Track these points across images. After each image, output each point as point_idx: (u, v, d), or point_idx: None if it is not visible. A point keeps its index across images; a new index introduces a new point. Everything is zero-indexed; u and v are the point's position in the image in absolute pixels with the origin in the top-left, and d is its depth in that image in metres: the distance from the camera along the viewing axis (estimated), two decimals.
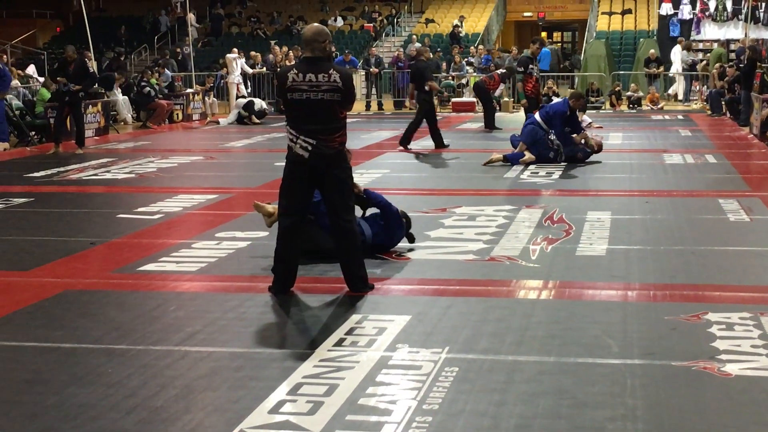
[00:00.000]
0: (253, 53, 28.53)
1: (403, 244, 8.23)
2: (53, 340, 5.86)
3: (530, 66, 18.26)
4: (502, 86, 24.76)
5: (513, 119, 22.63)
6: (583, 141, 14.68)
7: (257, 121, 23.44)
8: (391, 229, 8.07)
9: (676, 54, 28.91)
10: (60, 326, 6.16)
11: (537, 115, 14.84)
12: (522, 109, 18.76)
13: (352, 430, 4.36)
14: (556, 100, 18.85)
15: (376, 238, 7.97)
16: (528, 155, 14.27)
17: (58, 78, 17.10)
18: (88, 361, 5.44)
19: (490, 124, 21.06)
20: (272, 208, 8.16)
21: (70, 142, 17.70)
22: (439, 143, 17.12)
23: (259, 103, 24.34)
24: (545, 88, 18.95)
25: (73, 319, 6.34)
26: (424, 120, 17.10)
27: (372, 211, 8.23)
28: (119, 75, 24.49)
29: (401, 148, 16.98)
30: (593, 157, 14.73)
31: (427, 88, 17.25)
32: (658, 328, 5.90)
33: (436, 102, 20.16)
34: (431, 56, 21.82)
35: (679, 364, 5.22)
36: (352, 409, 4.61)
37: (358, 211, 7.81)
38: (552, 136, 14.38)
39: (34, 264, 7.99)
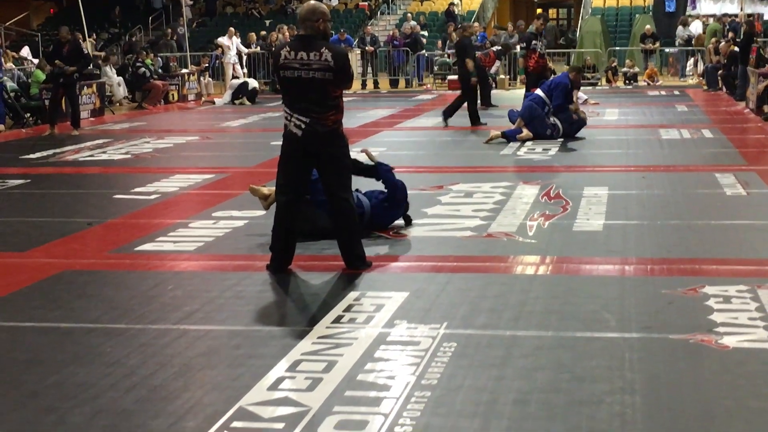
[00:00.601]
0: (251, 35, 28.43)
1: (400, 222, 8.22)
2: (51, 320, 5.86)
3: (533, 42, 18.18)
4: (497, 63, 24.70)
5: (509, 96, 22.61)
6: (575, 112, 14.72)
7: (248, 103, 23.37)
8: (394, 208, 8.05)
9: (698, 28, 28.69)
10: (58, 306, 6.16)
11: (539, 91, 14.79)
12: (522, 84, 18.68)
13: (351, 406, 4.37)
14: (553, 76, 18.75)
15: (375, 217, 7.95)
16: (525, 132, 14.26)
17: (55, 62, 16.98)
18: (87, 340, 5.45)
19: (486, 102, 21.01)
20: (267, 190, 8.15)
21: (66, 123, 17.65)
22: (475, 121, 17.07)
23: (252, 84, 24.27)
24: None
25: (71, 299, 6.34)
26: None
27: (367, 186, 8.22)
28: (110, 54, 24.41)
29: (444, 125, 17.05)
30: (590, 134, 14.72)
31: (471, 63, 17.31)
32: (656, 302, 5.91)
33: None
34: (474, 32, 21.61)
35: (677, 337, 5.23)
36: (351, 385, 4.62)
37: (362, 184, 7.84)
38: (551, 117, 14.36)
39: (31, 245, 7.99)
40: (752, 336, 5.23)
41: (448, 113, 17.19)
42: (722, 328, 5.36)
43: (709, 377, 4.67)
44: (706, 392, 4.48)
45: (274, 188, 7.78)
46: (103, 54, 24.08)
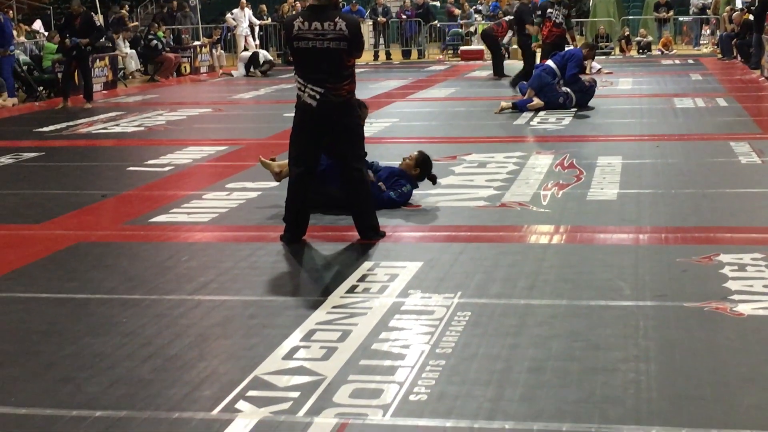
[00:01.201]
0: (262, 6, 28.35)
1: (417, 191, 8.15)
2: (67, 291, 5.89)
3: (549, 11, 18.03)
4: (510, 33, 24.55)
5: (521, 66, 22.48)
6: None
7: (259, 75, 23.33)
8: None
9: None
10: (73, 278, 6.19)
11: (550, 62, 14.71)
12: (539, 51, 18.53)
13: (366, 374, 4.38)
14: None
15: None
16: (536, 101, 14.21)
17: (66, 36, 16.93)
18: (103, 311, 5.48)
19: (498, 72, 20.93)
20: (278, 166, 8.14)
21: (79, 96, 17.65)
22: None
23: (263, 56, 24.20)
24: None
25: (86, 270, 6.37)
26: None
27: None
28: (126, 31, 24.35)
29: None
30: (604, 103, 14.66)
31: (527, 32, 17.16)
32: (670, 271, 5.91)
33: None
34: None
35: (691, 305, 5.23)
36: (366, 354, 4.63)
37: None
38: (562, 85, 14.30)
39: (46, 217, 8.02)
40: (766, 304, 5.22)
41: (515, 81, 17.24)
42: (736, 295, 5.35)
43: (723, 344, 4.67)
44: (720, 359, 4.48)
45: (284, 162, 7.79)
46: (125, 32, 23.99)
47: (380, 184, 7.82)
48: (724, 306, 5.19)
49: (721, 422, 3.81)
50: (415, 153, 8.22)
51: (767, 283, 5.56)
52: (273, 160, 8.34)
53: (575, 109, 14.11)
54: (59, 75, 18.48)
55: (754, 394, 4.08)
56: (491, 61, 21.95)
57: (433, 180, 8.21)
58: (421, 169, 8.12)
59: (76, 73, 17.93)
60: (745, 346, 4.64)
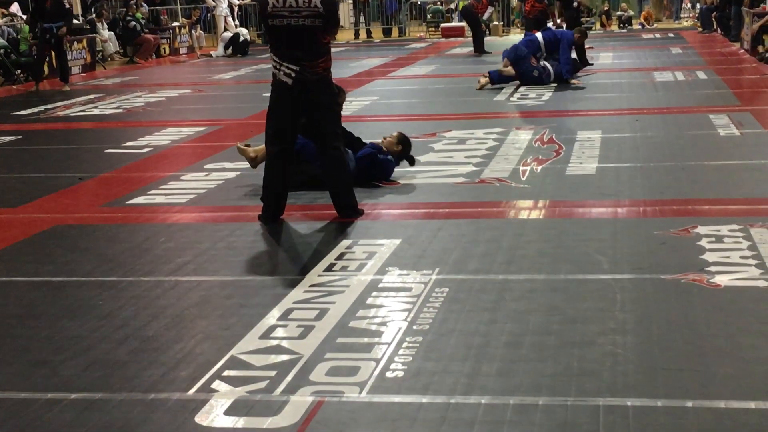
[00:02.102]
0: None
1: (396, 169, 8.13)
2: (44, 274, 5.86)
3: None
4: (490, 9, 24.50)
5: (502, 43, 22.45)
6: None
7: (239, 55, 23.21)
8: (373, 171, 7.93)
9: None
10: (50, 261, 6.15)
11: (539, 34, 14.59)
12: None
13: (343, 352, 4.37)
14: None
15: (359, 175, 7.84)
16: (509, 68, 14.15)
17: (38, 20, 16.74)
18: (79, 294, 5.45)
19: (479, 49, 20.89)
20: (253, 151, 8.09)
21: (55, 79, 17.53)
22: (584, 62, 17.03)
23: (243, 35, 24.08)
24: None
25: (64, 253, 6.33)
26: None
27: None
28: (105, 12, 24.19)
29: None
30: (584, 78, 14.66)
31: (575, 4, 17.30)
32: (648, 243, 5.91)
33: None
34: None
35: (669, 277, 5.23)
36: (343, 332, 4.62)
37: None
38: (541, 60, 14.24)
39: (23, 200, 7.96)
40: (744, 274, 5.23)
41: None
42: (714, 267, 5.36)
43: (700, 316, 4.67)
44: (697, 330, 4.48)
45: (260, 147, 7.75)
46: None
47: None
48: (701, 278, 5.19)
49: (698, 393, 3.81)
50: (395, 133, 8.24)
51: (744, 255, 5.56)
52: (248, 146, 8.28)
53: (554, 85, 14.07)
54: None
55: (730, 365, 4.08)
56: (471, 38, 21.90)
57: (411, 161, 8.19)
58: (403, 146, 8.12)
59: (50, 57, 17.79)
60: (721, 318, 4.64)
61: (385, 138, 8.19)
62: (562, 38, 14.37)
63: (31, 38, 17.87)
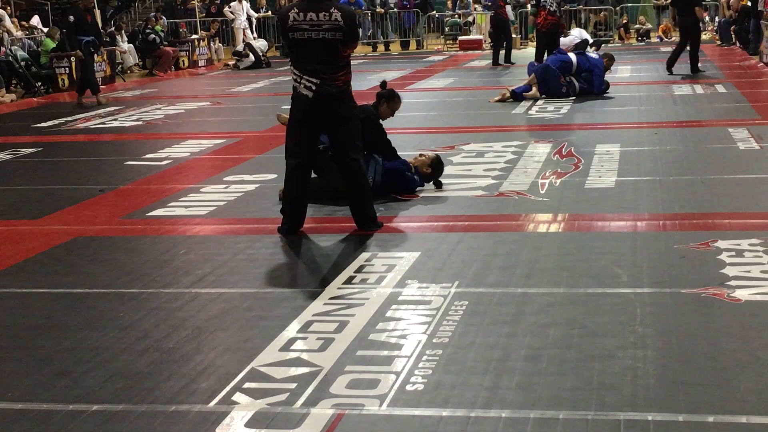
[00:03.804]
0: None
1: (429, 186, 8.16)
2: (65, 286, 5.89)
3: None
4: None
5: (521, 55, 22.46)
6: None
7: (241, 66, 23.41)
8: (396, 185, 7.94)
9: None
10: (71, 272, 6.19)
11: (572, 56, 14.57)
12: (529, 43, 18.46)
13: (363, 365, 4.38)
14: (570, 36, 18.44)
15: (382, 185, 7.87)
16: (534, 90, 14.18)
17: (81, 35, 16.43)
18: (100, 305, 5.48)
19: (508, 58, 20.87)
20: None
21: (74, 92, 17.59)
22: (695, 68, 17.13)
23: (261, 48, 24.15)
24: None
25: (84, 265, 6.37)
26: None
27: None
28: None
29: (668, 72, 17.18)
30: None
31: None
32: (668, 257, 5.90)
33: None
34: None
35: (689, 291, 5.22)
36: (363, 345, 4.63)
37: None
38: (568, 77, 14.25)
39: (43, 212, 8.01)
40: (764, 289, 5.21)
41: (671, 63, 17.31)
42: (734, 281, 5.34)
43: (720, 330, 4.66)
44: (717, 345, 4.47)
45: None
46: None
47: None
48: (721, 292, 5.18)
49: (719, 408, 3.80)
50: (432, 154, 8.30)
51: (765, 269, 5.54)
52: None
53: (574, 98, 14.06)
54: (57, 70, 18.46)
55: (752, 379, 4.07)
56: (494, 50, 21.65)
57: (438, 185, 8.19)
58: (433, 170, 8.15)
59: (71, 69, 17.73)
60: (742, 332, 4.63)
61: (421, 155, 8.21)
62: (594, 68, 14.34)
63: (65, 52, 17.39)
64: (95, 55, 16.89)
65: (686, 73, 16.93)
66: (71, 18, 16.09)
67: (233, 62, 24.06)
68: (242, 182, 8.84)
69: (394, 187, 7.87)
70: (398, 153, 8.15)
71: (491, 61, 21.29)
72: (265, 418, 3.87)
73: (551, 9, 17.65)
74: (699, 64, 17.27)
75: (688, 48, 17.08)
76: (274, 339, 4.76)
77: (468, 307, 5.12)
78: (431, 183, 8.19)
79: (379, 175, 7.79)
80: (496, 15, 21.24)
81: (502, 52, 21.01)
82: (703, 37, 27.12)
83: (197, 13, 27.32)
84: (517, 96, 14.15)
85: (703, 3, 27.91)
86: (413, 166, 8.07)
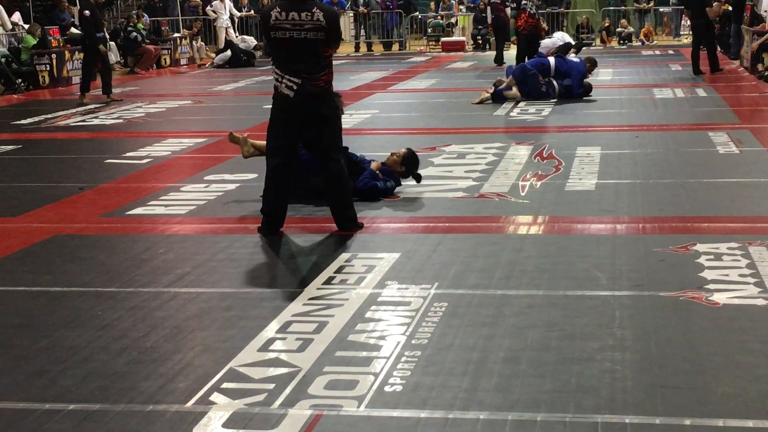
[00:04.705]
0: None
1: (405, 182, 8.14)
2: (42, 284, 5.86)
3: (523, 2, 17.99)
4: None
5: (506, 57, 22.49)
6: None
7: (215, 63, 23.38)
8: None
9: None
10: (49, 271, 6.16)
11: (551, 59, 14.60)
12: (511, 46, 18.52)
13: (342, 366, 4.37)
14: (552, 38, 18.47)
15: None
16: (514, 90, 14.20)
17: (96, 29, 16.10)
18: (78, 304, 5.45)
19: (499, 60, 20.97)
20: (245, 141, 8.22)
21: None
22: (715, 67, 17.23)
23: (248, 44, 24.16)
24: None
25: (62, 263, 6.34)
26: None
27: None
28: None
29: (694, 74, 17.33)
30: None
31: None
32: (647, 260, 5.92)
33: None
34: None
35: (668, 294, 5.23)
36: (342, 346, 4.62)
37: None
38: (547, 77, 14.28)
39: (22, 210, 7.96)
40: (742, 292, 5.24)
41: (695, 67, 17.54)
42: (713, 285, 5.36)
43: (698, 333, 4.68)
44: (695, 348, 4.49)
45: (259, 143, 7.82)
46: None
47: (378, 173, 7.82)
48: (699, 295, 5.20)
49: (696, 411, 3.81)
50: (403, 150, 8.19)
51: (743, 273, 5.57)
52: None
53: (555, 101, 14.09)
54: (37, 67, 18.39)
55: (729, 383, 4.09)
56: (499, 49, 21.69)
57: (418, 178, 8.16)
58: (407, 167, 8.09)
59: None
60: (720, 336, 4.65)
61: (393, 154, 8.14)
62: (572, 70, 14.35)
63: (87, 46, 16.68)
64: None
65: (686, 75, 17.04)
66: (86, 13, 15.69)
67: (208, 62, 24.08)
68: (223, 181, 8.81)
69: (371, 199, 7.78)
70: (372, 155, 8.11)
71: (494, 59, 21.35)
72: (242, 419, 3.86)
73: (531, 12, 17.72)
74: (719, 65, 17.51)
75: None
76: (252, 339, 4.75)
77: (447, 308, 5.12)
78: (410, 179, 8.13)
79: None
80: (497, 17, 21.34)
81: (489, 54, 21.12)
82: (685, 41, 27.31)
83: (179, 12, 27.23)
84: (498, 96, 14.16)
85: (645, 11, 28.06)
86: (386, 169, 7.97)
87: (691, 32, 18.65)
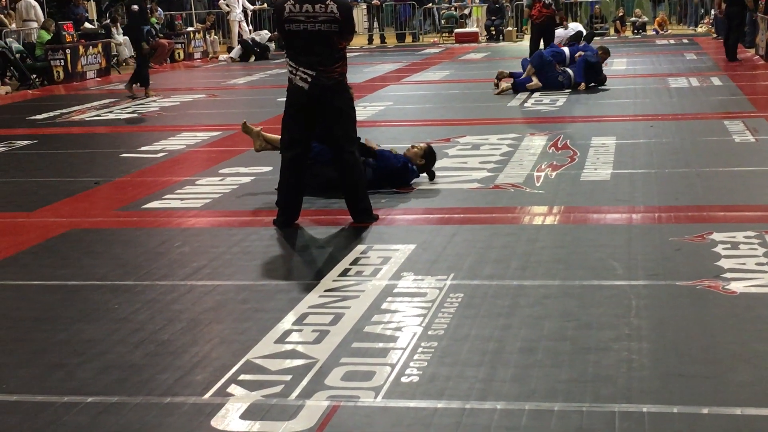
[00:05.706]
0: None
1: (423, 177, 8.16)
2: (59, 278, 5.88)
3: None
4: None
5: (517, 48, 22.46)
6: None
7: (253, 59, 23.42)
8: (388, 179, 7.91)
9: None
10: (66, 264, 6.18)
11: (566, 49, 14.60)
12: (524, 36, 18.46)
13: (358, 357, 4.38)
14: (567, 29, 18.38)
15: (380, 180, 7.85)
16: (535, 80, 14.17)
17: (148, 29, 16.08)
18: (95, 297, 5.47)
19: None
20: (256, 131, 8.23)
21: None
22: (733, 56, 17.41)
23: (262, 37, 24.20)
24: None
25: (79, 257, 6.36)
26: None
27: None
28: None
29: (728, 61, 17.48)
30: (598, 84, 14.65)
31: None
32: (663, 250, 5.90)
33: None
34: None
35: (684, 283, 5.22)
36: (358, 337, 4.63)
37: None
38: (560, 66, 14.25)
39: (38, 204, 8.00)
40: (759, 281, 5.22)
41: (730, 53, 17.69)
42: (729, 273, 5.35)
43: (715, 322, 4.67)
44: (712, 337, 4.48)
45: (273, 137, 7.83)
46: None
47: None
48: (716, 284, 5.18)
49: (713, 400, 3.81)
50: (423, 144, 8.25)
51: (759, 261, 5.55)
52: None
53: (569, 91, 14.05)
54: (52, 62, 18.44)
55: (746, 371, 4.08)
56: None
57: (432, 176, 8.17)
58: (427, 160, 8.11)
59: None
60: (737, 324, 4.64)
61: (413, 146, 8.17)
62: (587, 63, 14.30)
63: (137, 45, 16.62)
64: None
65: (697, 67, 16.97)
66: (135, 7, 15.63)
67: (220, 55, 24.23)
68: (237, 174, 8.83)
69: (391, 180, 7.85)
70: (392, 146, 8.14)
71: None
72: (260, 410, 3.87)
73: (546, 2, 17.61)
74: (737, 55, 17.63)
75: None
76: (269, 331, 4.76)
77: (463, 299, 5.12)
78: (425, 174, 8.17)
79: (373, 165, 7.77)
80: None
81: (502, 45, 21.04)
82: (699, 30, 27.21)
83: (192, 6, 27.25)
84: (517, 88, 14.14)
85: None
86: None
87: (713, 21, 18.58)
